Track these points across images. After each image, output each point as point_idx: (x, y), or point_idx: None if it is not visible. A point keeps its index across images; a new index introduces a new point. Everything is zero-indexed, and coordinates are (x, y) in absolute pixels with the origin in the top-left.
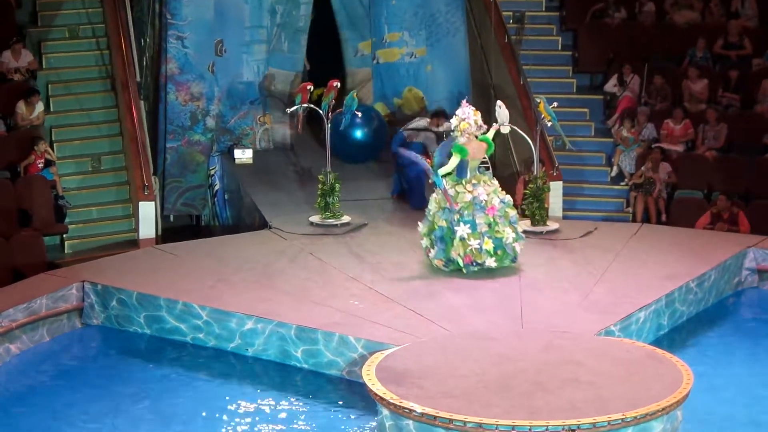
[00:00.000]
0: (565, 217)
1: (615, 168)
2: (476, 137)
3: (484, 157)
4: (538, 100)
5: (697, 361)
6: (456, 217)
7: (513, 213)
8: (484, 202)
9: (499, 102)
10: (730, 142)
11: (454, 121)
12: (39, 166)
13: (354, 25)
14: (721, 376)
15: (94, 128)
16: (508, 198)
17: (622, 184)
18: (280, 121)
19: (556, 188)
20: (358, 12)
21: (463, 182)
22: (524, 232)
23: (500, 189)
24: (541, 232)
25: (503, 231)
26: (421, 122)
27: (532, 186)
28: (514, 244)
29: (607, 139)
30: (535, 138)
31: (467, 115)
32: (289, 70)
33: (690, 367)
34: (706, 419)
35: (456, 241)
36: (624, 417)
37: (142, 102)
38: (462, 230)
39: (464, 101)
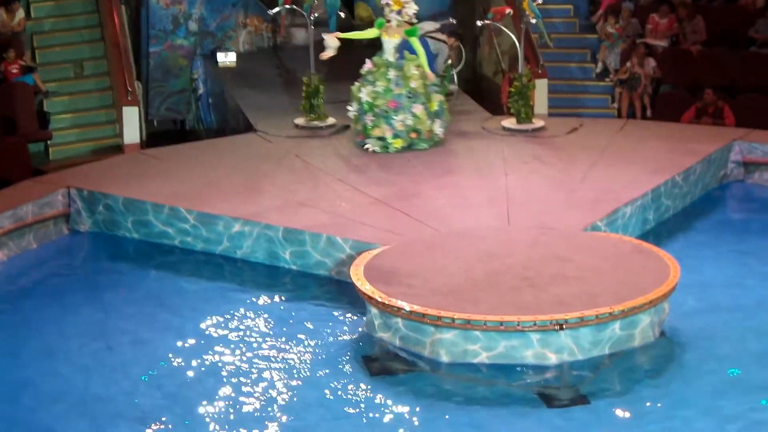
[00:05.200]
0: (550, 115)
1: (600, 64)
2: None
3: None
4: None
5: (683, 255)
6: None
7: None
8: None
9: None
10: (714, 35)
11: None
12: (13, 71)
13: None
14: (707, 268)
15: (75, 34)
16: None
17: (607, 80)
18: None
19: (541, 86)
20: None
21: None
22: (509, 130)
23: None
24: (527, 130)
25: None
26: (429, 26)
27: (517, 84)
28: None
29: (591, 36)
30: (520, 36)
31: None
32: None
33: (676, 260)
34: (692, 311)
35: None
36: (612, 311)
37: (122, 6)
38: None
39: None
